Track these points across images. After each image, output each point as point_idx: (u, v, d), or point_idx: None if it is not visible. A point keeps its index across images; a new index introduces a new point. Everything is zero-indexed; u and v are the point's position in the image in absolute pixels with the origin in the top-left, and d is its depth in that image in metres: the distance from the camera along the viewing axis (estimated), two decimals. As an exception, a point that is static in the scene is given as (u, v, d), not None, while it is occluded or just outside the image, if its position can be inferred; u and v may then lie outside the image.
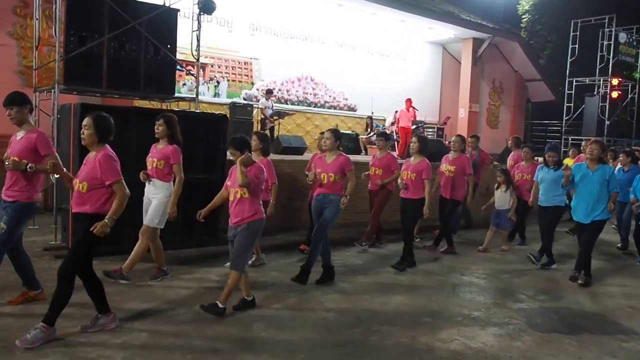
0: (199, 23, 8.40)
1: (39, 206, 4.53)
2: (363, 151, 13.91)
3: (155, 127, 5.30)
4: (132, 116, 6.37)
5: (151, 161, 5.28)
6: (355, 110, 16.11)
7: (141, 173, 5.22)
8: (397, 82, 16.44)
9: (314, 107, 15.28)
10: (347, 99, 15.96)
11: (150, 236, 5.28)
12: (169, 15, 7.81)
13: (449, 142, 14.89)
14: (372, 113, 15.26)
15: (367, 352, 3.99)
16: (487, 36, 16.58)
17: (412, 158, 6.70)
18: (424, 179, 6.44)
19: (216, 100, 13.10)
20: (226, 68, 13.54)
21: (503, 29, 17.58)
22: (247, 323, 4.43)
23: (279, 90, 14.42)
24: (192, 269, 5.98)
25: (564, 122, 18.78)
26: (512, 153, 9.63)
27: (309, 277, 5.60)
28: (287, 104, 14.54)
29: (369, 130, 14.96)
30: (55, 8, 6.89)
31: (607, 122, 17.58)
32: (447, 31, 16.21)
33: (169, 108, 8.79)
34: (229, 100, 12.64)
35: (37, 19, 7.54)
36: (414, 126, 14.17)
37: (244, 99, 13.19)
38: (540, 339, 4.43)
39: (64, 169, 4.15)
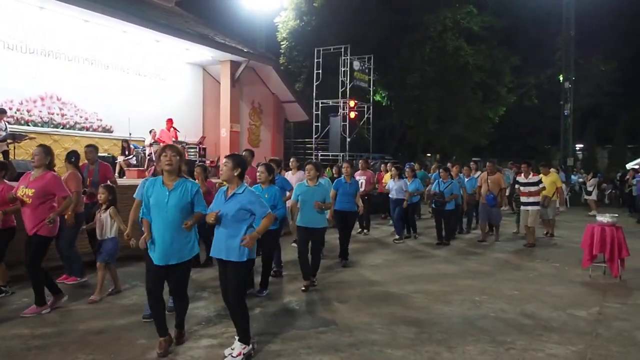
0: None
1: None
2: (117, 174, 13.28)
3: None
4: None
5: None
6: (111, 132, 15.33)
7: None
8: (157, 102, 16.24)
9: (62, 128, 14.11)
10: (101, 120, 15.09)
11: None
12: None
13: (211, 162, 15.40)
14: (130, 134, 14.78)
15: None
16: (243, 59, 17.39)
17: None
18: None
19: None
20: (-56, 84, 11.68)
21: (257, 54, 18.66)
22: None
23: (17, 110, 13.00)
24: None
25: (314, 139, 20.81)
26: None
27: None
28: (30, 125, 13.17)
29: (127, 152, 14.42)
30: None
31: (348, 139, 20.09)
32: (204, 53, 16.51)
33: None
34: (-53, 122, 10.89)
35: None
36: (175, 146, 14.13)
37: (-31, 120, 11.53)
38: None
39: None
